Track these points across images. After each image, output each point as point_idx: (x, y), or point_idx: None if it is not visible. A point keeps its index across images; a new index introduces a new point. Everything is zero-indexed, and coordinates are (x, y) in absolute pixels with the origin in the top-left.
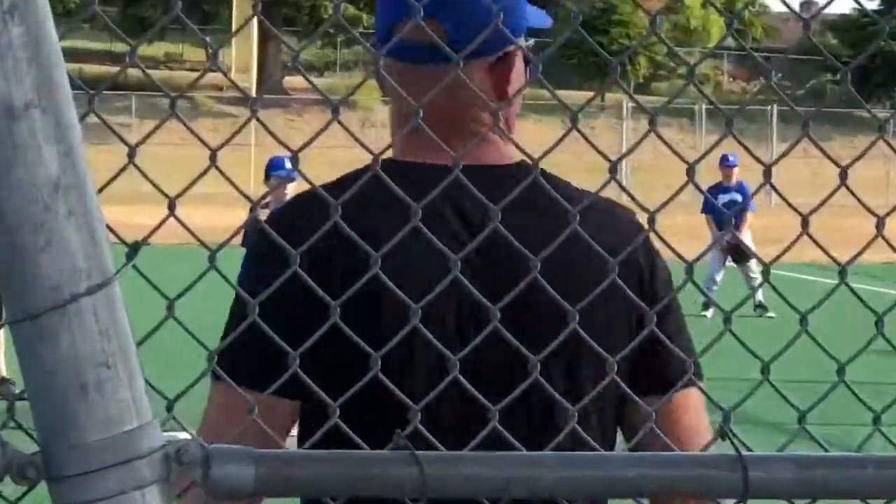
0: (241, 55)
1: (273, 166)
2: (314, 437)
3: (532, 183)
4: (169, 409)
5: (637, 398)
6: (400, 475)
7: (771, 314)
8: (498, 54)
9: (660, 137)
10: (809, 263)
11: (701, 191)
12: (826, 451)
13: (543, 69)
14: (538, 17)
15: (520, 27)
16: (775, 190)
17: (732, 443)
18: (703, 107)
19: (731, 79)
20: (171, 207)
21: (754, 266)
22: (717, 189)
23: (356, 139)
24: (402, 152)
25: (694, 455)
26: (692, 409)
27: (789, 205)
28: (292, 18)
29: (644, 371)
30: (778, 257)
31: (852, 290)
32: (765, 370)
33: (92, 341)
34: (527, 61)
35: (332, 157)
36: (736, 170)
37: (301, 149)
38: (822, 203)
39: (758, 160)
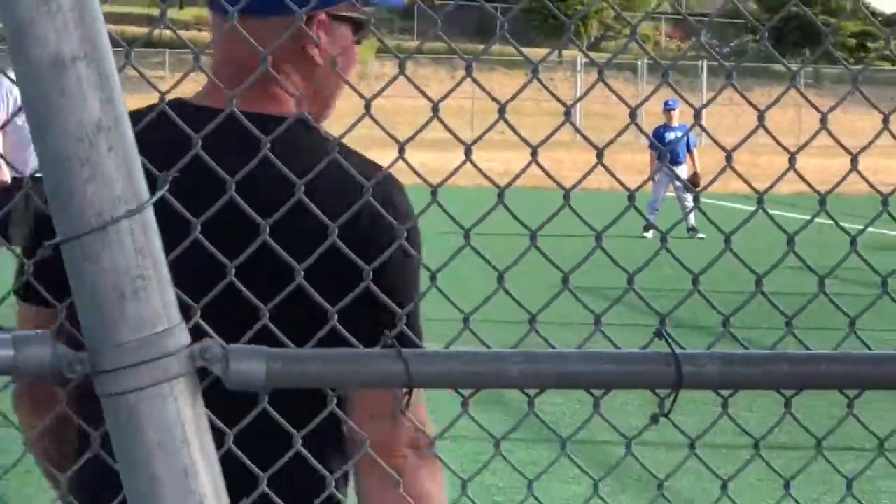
0: None
1: None
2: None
3: (285, 136)
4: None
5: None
6: (389, 370)
7: (701, 235)
8: (299, 16)
9: (608, 87)
10: (732, 194)
11: (642, 131)
12: (747, 349)
13: (512, 29)
14: None
15: None
16: (704, 130)
17: (668, 342)
18: (645, 62)
19: (668, 38)
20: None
21: (689, 196)
22: (663, 129)
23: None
24: (202, 96)
25: (635, 353)
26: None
27: (716, 142)
28: None
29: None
30: (707, 186)
31: (769, 215)
32: (695, 282)
33: (129, 257)
34: (358, 27)
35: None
36: (676, 112)
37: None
38: (743, 141)
39: (690, 104)
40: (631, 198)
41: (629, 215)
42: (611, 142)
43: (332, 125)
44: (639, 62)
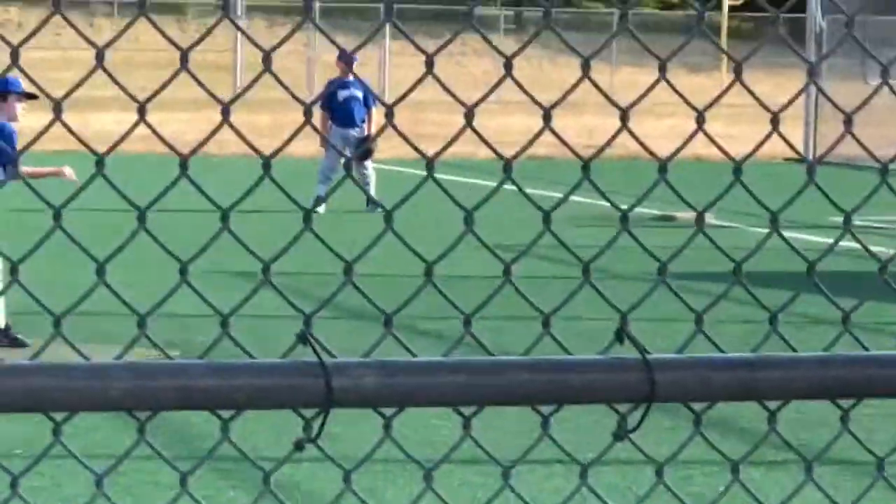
0: None
1: (9, 83)
2: None
3: None
4: (140, 324)
5: None
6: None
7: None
8: None
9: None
10: (401, 159)
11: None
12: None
13: None
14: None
15: None
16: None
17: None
18: (318, 5)
19: None
20: None
21: (370, 165)
22: (336, 84)
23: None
24: None
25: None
26: None
27: (393, 101)
28: None
29: None
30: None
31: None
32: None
33: None
34: None
35: None
36: (354, 65)
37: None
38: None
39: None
40: (322, 171)
41: (296, 187)
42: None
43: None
44: (313, 5)
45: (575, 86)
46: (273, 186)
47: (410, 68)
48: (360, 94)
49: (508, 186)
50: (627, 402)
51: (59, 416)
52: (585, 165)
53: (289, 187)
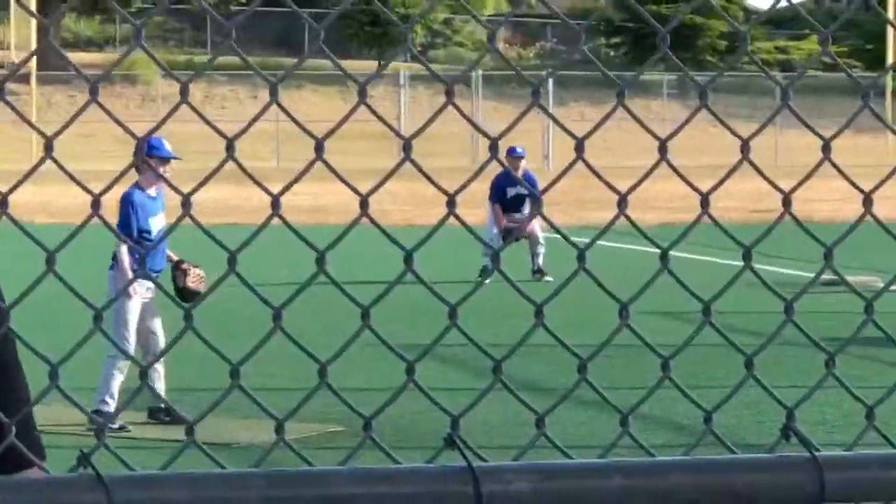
0: (21, 32)
1: (152, 146)
2: None
3: None
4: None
5: None
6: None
7: (549, 278)
8: None
9: (450, 100)
10: (583, 227)
11: (503, 164)
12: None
13: (324, 40)
14: None
15: None
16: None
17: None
18: (480, 74)
19: (506, 45)
20: None
21: (540, 235)
22: (506, 180)
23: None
24: None
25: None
26: None
27: (593, 171)
28: None
29: None
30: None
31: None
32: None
33: None
34: None
35: (115, 133)
36: (523, 161)
37: (58, 133)
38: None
39: (554, 119)
40: (486, 244)
41: (465, 257)
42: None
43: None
44: (473, 74)
45: (742, 152)
46: (437, 256)
47: (580, 134)
48: (525, 192)
49: (679, 253)
50: None
51: None
52: (753, 244)
53: (452, 256)
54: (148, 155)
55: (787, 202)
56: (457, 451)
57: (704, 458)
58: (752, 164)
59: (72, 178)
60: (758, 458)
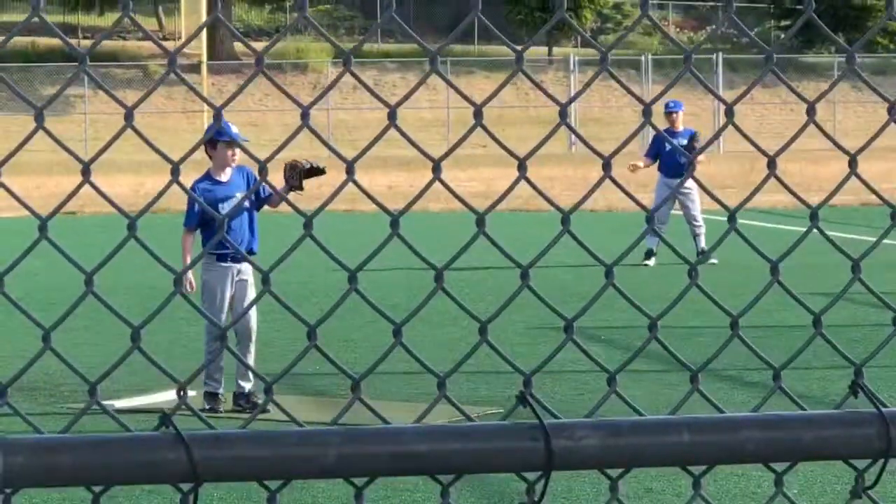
0: (191, 22)
1: (217, 132)
2: None
3: None
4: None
5: None
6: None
7: (714, 260)
8: None
9: (611, 75)
10: (748, 209)
11: (657, 129)
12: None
13: (493, 25)
14: None
15: None
16: (739, 131)
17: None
18: (650, 57)
19: (677, 29)
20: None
21: (700, 216)
22: (665, 133)
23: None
24: None
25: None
26: None
27: (757, 148)
28: None
29: None
30: (748, 199)
31: (825, 235)
32: (734, 325)
33: None
34: None
35: (286, 121)
36: (680, 114)
37: (224, 105)
38: (788, 144)
39: (722, 101)
40: (650, 220)
41: (627, 241)
42: (618, 149)
43: (297, 144)
44: (642, 58)
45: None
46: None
47: (744, 117)
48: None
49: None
50: (863, 458)
51: (273, 485)
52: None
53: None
54: (216, 140)
55: None
56: (528, 409)
57: (773, 413)
58: None
59: (247, 153)
60: (826, 414)
